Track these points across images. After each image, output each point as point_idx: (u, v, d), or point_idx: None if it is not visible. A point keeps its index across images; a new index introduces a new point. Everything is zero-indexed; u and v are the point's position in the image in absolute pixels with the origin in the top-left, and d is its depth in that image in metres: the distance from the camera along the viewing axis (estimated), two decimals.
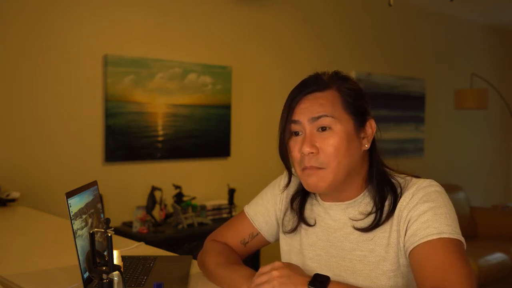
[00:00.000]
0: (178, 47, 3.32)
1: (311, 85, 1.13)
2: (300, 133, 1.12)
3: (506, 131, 6.26)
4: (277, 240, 1.34)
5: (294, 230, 1.23)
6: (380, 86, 4.60)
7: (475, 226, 4.54)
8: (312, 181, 1.11)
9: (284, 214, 1.27)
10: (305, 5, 4.04)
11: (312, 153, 1.09)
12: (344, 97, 1.11)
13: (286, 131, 1.13)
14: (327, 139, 1.09)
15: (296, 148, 1.12)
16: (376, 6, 4.54)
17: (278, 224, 1.30)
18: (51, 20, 2.81)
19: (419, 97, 5.05)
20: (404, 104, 4.88)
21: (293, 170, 1.19)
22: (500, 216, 4.59)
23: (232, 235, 1.34)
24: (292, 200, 1.25)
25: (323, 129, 1.09)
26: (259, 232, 1.31)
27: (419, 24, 5.10)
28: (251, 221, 1.32)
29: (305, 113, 1.11)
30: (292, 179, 1.27)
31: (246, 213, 1.34)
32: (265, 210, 1.31)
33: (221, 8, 3.53)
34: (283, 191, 1.29)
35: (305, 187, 1.14)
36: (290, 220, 1.25)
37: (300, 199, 1.24)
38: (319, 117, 1.09)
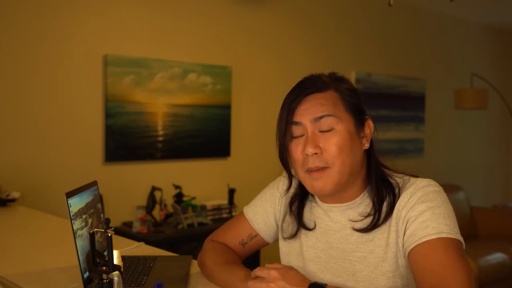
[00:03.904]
0: (178, 47, 3.32)
1: (310, 86, 1.12)
2: (301, 135, 1.11)
3: (506, 131, 6.26)
4: (276, 241, 1.34)
5: (293, 236, 1.23)
6: (380, 86, 4.60)
7: (475, 226, 4.54)
8: (318, 184, 1.09)
9: (283, 218, 1.26)
10: (305, 5, 4.04)
11: (316, 153, 1.08)
12: (344, 97, 1.11)
13: (286, 133, 1.12)
14: (330, 139, 1.08)
15: (298, 150, 1.10)
16: (376, 6, 4.54)
17: (277, 225, 1.30)
18: (51, 20, 2.81)
19: (419, 97, 5.05)
20: (404, 104, 4.88)
21: (293, 172, 1.18)
22: (500, 216, 4.59)
23: (231, 236, 1.34)
24: (291, 203, 1.25)
25: (326, 129, 1.09)
26: (258, 233, 1.31)
27: (419, 24, 5.10)
28: (250, 222, 1.32)
29: (306, 114, 1.10)
30: (293, 186, 1.27)
31: (245, 214, 1.34)
32: (264, 211, 1.31)
33: (221, 8, 3.53)
34: (285, 195, 1.28)
35: (310, 190, 1.12)
36: (290, 225, 1.24)
37: (298, 202, 1.24)
38: (321, 117, 1.08)
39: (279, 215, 1.28)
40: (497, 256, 3.84)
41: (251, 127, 3.73)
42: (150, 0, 3.19)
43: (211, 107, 3.44)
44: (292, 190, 1.26)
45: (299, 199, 1.24)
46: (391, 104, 4.74)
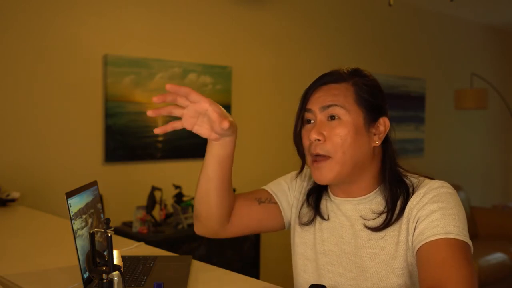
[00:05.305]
0: (178, 47, 3.32)
1: (326, 76, 1.18)
2: (311, 122, 1.16)
3: (506, 131, 6.26)
4: (285, 228, 1.33)
5: (310, 223, 1.24)
6: None
7: (475, 226, 4.53)
8: (319, 173, 1.13)
9: (301, 206, 1.28)
10: (305, 5, 4.04)
11: (319, 140, 1.11)
12: (358, 91, 1.14)
13: (300, 119, 1.17)
14: (335, 129, 1.11)
15: (306, 135, 1.15)
16: (376, 6, 4.54)
17: (291, 210, 1.29)
18: (51, 20, 2.81)
19: (419, 97, 5.05)
20: (404, 104, 4.88)
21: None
22: (500, 216, 4.59)
23: (245, 193, 1.30)
24: (308, 195, 1.27)
25: (332, 118, 1.12)
26: (277, 203, 1.29)
27: (419, 24, 5.10)
28: (273, 194, 1.30)
29: (317, 102, 1.14)
30: (310, 175, 1.29)
31: (266, 188, 1.32)
32: (287, 189, 1.30)
33: (221, 8, 3.53)
34: (297, 176, 1.31)
35: (314, 178, 1.16)
36: (307, 213, 1.26)
37: (315, 195, 1.26)
38: (329, 106, 1.12)
39: (297, 203, 1.28)
40: (497, 256, 3.84)
41: (251, 127, 3.73)
42: (150, 0, 3.19)
43: None
44: (310, 185, 1.28)
45: (316, 192, 1.26)
46: (391, 104, 4.65)
